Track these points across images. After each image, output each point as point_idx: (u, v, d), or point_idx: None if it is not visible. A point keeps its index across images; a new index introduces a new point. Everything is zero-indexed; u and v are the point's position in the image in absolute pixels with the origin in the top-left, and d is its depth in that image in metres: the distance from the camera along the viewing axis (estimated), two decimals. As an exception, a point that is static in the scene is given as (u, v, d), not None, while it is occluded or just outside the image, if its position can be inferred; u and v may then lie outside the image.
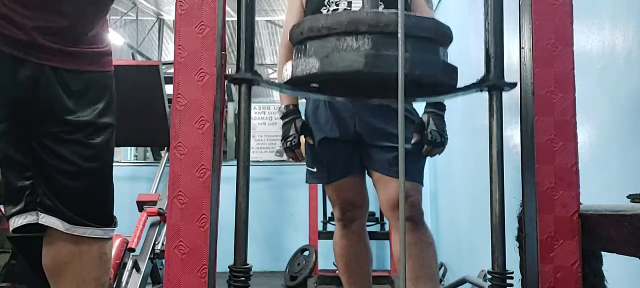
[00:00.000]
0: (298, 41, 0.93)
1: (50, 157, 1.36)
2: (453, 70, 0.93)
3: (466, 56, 3.31)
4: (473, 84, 0.92)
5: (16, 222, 1.36)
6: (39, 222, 1.36)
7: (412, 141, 1.82)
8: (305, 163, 2.08)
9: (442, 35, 0.93)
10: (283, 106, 2.00)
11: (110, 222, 1.46)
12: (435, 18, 1.85)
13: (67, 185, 1.38)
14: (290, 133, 1.93)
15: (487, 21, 0.94)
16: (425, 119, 1.85)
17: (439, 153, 1.89)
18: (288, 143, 1.93)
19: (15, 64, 1.32)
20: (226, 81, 0.93)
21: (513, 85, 0.91)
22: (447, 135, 1.86)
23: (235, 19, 0.97)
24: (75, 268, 1.40)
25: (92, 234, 1.40)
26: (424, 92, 1.04)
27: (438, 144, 1.82)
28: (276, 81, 1.93)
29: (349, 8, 1.90)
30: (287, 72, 0.94)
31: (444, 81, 0.92)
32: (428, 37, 0.89)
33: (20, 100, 1.34)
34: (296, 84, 0.94)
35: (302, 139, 1.98)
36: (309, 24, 0.90)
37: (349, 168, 1.96)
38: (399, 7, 0.79)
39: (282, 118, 1.99)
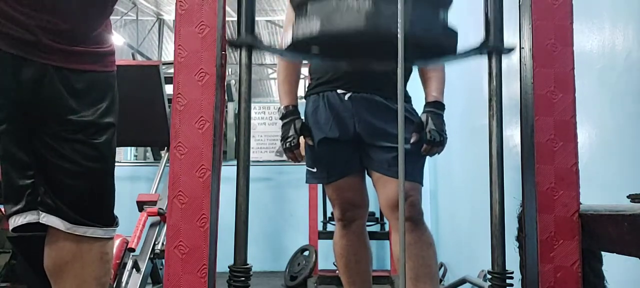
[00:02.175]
0: (299, 4, 0.93)
1: (52, 156, 1.36)
2: (453, 32, 0.92)
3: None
4: (473, 49, 0.93)
5: (16, 221, 1.36)
6: (40, 222, 1.36)
7: (411, 141, 1.82)
8: (304, 163, 2.08)
9: None
10: (282, 106, 1.99)
11: (112, 221, 1.46)
12: None
13: (69, 185, 1.38)
14: (290, 134, 1.92)
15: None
16: (424, 118, 1.85)
17: (439, 153, 1.89)
18: (287, 144, 1.92)
19: (19, 64, 1.32)
20: (227, 44, 0.92)
21: (512, 49, 0.92)
22: (446, 134, 1.86)
23: (235, 19, 0.98)
24: (76, 268, 1.40)
25: (93, 234, 1.40)
26: (424, 55, 1.03)
27: (437, 143, 1.82)
28: (276, 80, 1.92)
29: None
30: (287, 37, 0.94)
31: (444, 43, 0.92)
32: None
33: (23, 100, 1.34)
34: (297, 48, 0.94)
35: (302, 139, 1.98)
36: None
37: (349, 168, 1.96)
38: (399, 8, 0.79)
39: (281, 118, 1.98)
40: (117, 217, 1.48)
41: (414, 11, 0.84)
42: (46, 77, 1.34)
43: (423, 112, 1.88)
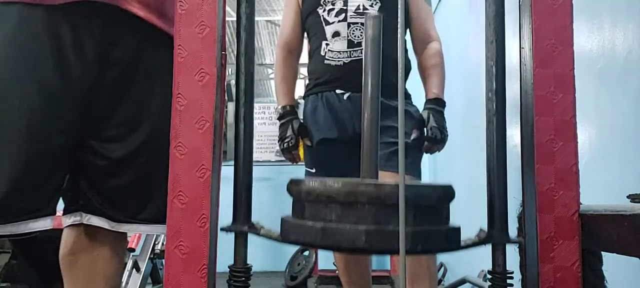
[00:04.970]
0: (295, 199, 0.91)
1: (91, 154, 1.30)
2: (455, 234, 0.89)
3: (466, 57, 3.31)
4: (475, 242, 0.90)
5: (63, 221, 1.31)
6: (83, 223, 1.33)
7: (412, 137, 1.81)
8: (304, 163, 2.08)
9: (444, 199, 0.90)
10: (280, 106, 1.99)
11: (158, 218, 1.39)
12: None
13: (110, 183, 1.33)
14: (287, 134, 1.91)
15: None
16: (425, 115, 1.84)
17: (439, 151, 1.89)
18: (285, 144, 1.91)
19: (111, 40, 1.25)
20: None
21: (517, 241, 0.90)
22: (447, 132, 1.86)
23: (235, 19, 0.98)
24: (107, 262, 1.39)
25: (136, 230, 1.38)
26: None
27: (438, 140, 1.82)
28: (274, 86, 1.91)
29: (345, 7, 1.89)
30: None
31: (446, 248, 0.90)
32: (430, 205, 0.86)
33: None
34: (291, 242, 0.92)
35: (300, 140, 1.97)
36: (306, 188, 0.85)
37: (348, 170, 1.94)
38: (399, 7, 0.79)
39: (278, 119, 1.98)
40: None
41: (415, 226, 0.80)
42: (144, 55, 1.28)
43: (424, 109, 1.87)
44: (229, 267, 0.93)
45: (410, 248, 0.78)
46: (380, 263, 4.66)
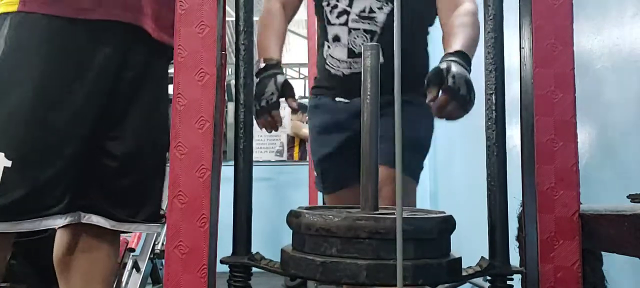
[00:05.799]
0: (295, 231, 0.90)
1: (97, 152, 1.34)
2: (456, 265, 0.89)
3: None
4: (478, 272, 0.91)
5: (55, 222, 1.28)
6: (82, 222, 1.34)
7: (428, 99, 1.31)
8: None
9: (446, 230, 0.91)
10: (262, 59, 1.54)
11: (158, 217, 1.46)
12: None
13: (114, 182, 1.36)
14: (268, 89, 1.46)
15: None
16: (444, 66, 1.31)
17: (459, 116, 1.35)
18: (264, 101, 1.45)
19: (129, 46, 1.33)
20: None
21: (519, 271, 0.89)
22: (474, 93, 1.31)
23: (235, 19, 0.98)
24: (104, 260, 1.41)
25: (136, 229, 1.43)
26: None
27: (461, 96, 1.28)
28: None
29: (348, 9, 1.79)
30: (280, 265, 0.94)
31: (449, 280, 0.90)
32: (430, 238, 0.86)
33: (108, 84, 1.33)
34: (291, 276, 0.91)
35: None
36: (306, 221, 0.86)
37: (346, 180, 1.81)
38: (395, 5, 0.79)
39: (257, 74, 1.49)
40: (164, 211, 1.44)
41: (416, 259, 0.81)
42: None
43: (442, 61, 1.35)
44: (229, 266, 0.94)
45: (411, 282, 0.78)
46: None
